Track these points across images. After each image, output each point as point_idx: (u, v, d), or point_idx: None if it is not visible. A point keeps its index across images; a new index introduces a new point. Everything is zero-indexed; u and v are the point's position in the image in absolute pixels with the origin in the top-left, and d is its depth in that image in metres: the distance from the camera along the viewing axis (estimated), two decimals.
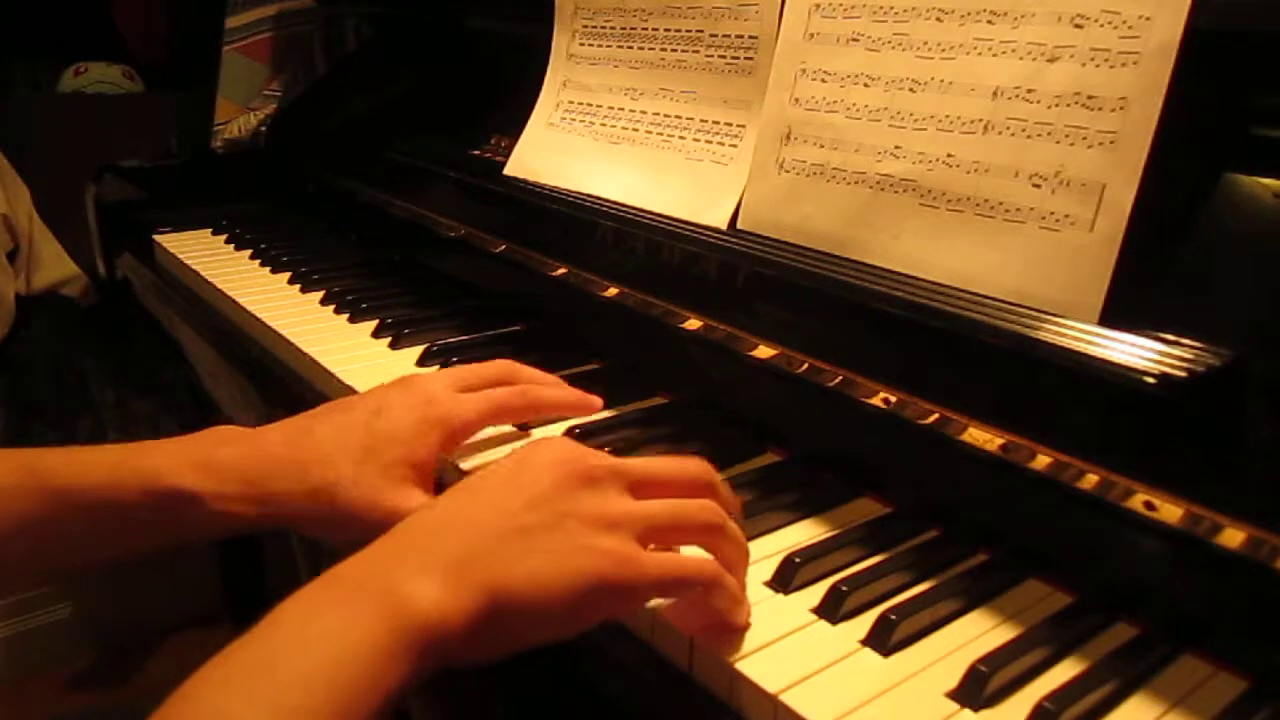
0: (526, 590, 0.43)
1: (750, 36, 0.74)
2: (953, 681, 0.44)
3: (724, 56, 0.76)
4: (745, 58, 0.74)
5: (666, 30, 0.80)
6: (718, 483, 0.51)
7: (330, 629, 0.39)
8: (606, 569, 0.44)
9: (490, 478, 0.48)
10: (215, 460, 0.54)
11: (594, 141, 0.85)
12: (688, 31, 0.78)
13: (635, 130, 0.82)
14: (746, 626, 0.48)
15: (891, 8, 0.63)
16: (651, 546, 0.47)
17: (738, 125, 0.75)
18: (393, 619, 0.40)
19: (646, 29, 0.82)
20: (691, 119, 0.78)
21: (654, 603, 0.49)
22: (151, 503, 0.53)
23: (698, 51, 0.78)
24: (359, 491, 0.53)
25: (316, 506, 0.53)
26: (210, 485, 0.53)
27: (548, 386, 0.65)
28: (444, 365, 0.78)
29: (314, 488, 0.53)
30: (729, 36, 0.75)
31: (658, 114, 0.81)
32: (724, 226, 0.72)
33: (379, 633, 0.39)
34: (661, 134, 0.80)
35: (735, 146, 0.74)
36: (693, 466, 0.51)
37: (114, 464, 0.54)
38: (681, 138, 0.78)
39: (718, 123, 0.76)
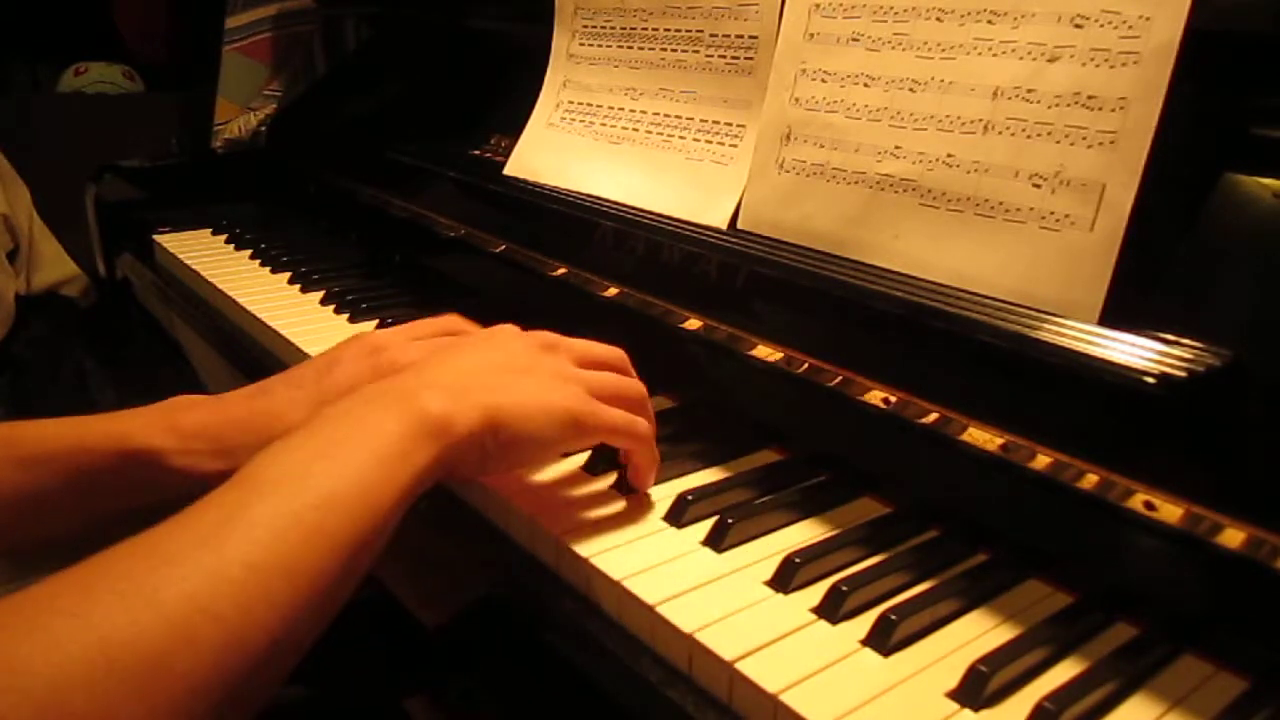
0: (515, 412, 0.52)
1: (750, 36, 0.74)
2: (953, 681, 0.44)
3: (724, 56, 0.76)
4: (745, 58, 0.74)
5: (666, 30, 0.80)
6: (630, 367, 0.61)
7: (372, 424, 0.48)
8: (575, 406, 0.54)
9: (464, 343, 0.59)
10: (180, 422, 0.57)
11: (594, 141, 0.85)
12: (688, 31, 0.78)
13: (635, 130, 0.82)
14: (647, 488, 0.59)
15: (891, 8, 0.63)
16: None
17: (738, 125, 0.75)
18: (413, 416, 0.48)
19: (646, 29, 0.82)
20: (691, 119, 0.78)
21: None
22: (121, 464, 0.55)
23: (698, 51, 0.78)
24: None
25: None
26: (176, 443, 0.56)
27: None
28: None
29: (270, 440, 0.55)
30: (729, 36, 0.75)
31: (658, 114, 0.81)
32: (724, 226, 0.72)
33: (408, 427, 0.48)
34: (661, 134, 0.80)
35: (735, 146, 0.74)
36: (615, 351, 0.61)
37: (84, 430, 0.56)
38: (681, 138, 0.78)
39: (718, 123, 0.76)
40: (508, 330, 0.59)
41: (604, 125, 0.85)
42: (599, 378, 0.57)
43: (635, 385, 0.59)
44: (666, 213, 0.76)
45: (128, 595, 0.36)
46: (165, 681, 0.35)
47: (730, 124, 0.75)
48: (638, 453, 0.58)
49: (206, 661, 0.36)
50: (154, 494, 0.58)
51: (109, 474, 0.56)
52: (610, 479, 0.61)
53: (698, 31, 0.78)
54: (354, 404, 0.50)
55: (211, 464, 0.56)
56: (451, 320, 0.67)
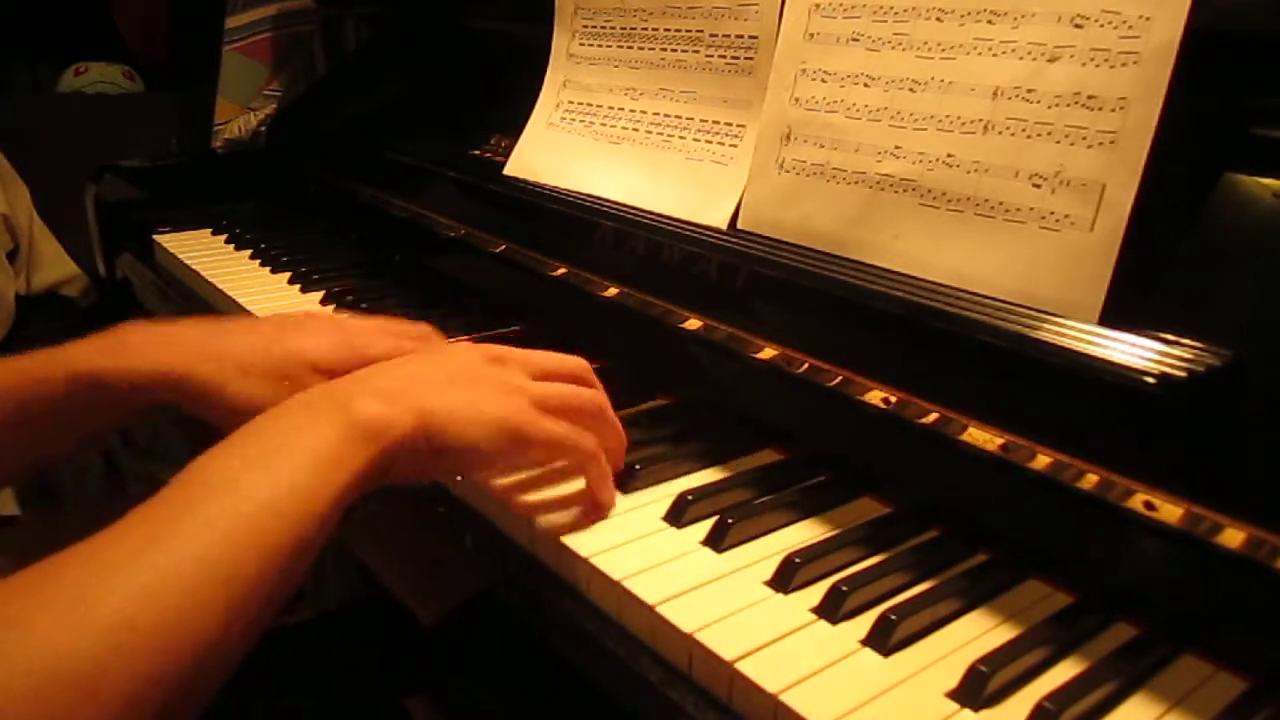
0: (451, 419, 0.52)
1: (750, 36, 0.74)
2: (953, 681, 0.44)
3: (724, 56, 0.76)
4: (745, 58, 0.74)
5: (666, 30, 0.80)
6: (594, 377, 0.60)
7: (305, 429, 0.48)
8: (513, 416, 0.53)
9: (414, 355, 0.58)
10: (125, 344, 0.58)
11: (594, 141, 0.85)
12: (688, 31, 0.78)
13: (635, 130, 0.82)
14: (608, 509, 0.57)
15: (891, 8, 0.63)
16: None
17: (738, 125, 0.75)
18: (346, 420, 0.48)
19: (646, 29, 0.82)
20: (691, 119, 0.78)
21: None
22: (72, 388, 0.56)
23: (698, 51, 0.78)
24: (261, 383, 0.57)
25: (212, 391, 0.57)
26: (120, 363, 0.57)
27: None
28: None
29: (219, 373, 0.57)
30: (729, 36, 0.75)
31: (658, 114, 0.81)
32: (724, 226, 0.72)
33: (342, 432, 0.48)
34: (661, 134, 0.80)
35: (735, 146, 0.74)
36: (575, 361, 0.60)
37: (28, 362, 0.58)
38: (681, 138, 0.78)
39: (718, 123, 0.76)
40: (459, 344, 0.59)
41: (604, 125, 0.85)
42: (547, 389, 0.56)
43: (591, 396, 0.58)
44: (666, 213, 0.76)
45: (65, 606, 0.37)
46: (104, 690, 0.36)
47: (730, 124, 0.75)
48: (583, 468, 0.57)
49: (141, 671, 0.37)
50: (102, 418, 0.59)
51: (57, 401, 0.56)
52: None
53: (698, 31, 0.78)
54: (289, 410, 0.50)
55: (152, 385, 0.57)
56: (425, 329, 0.67)
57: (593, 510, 0.57)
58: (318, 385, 0.53)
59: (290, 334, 0.61)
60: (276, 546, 0.43)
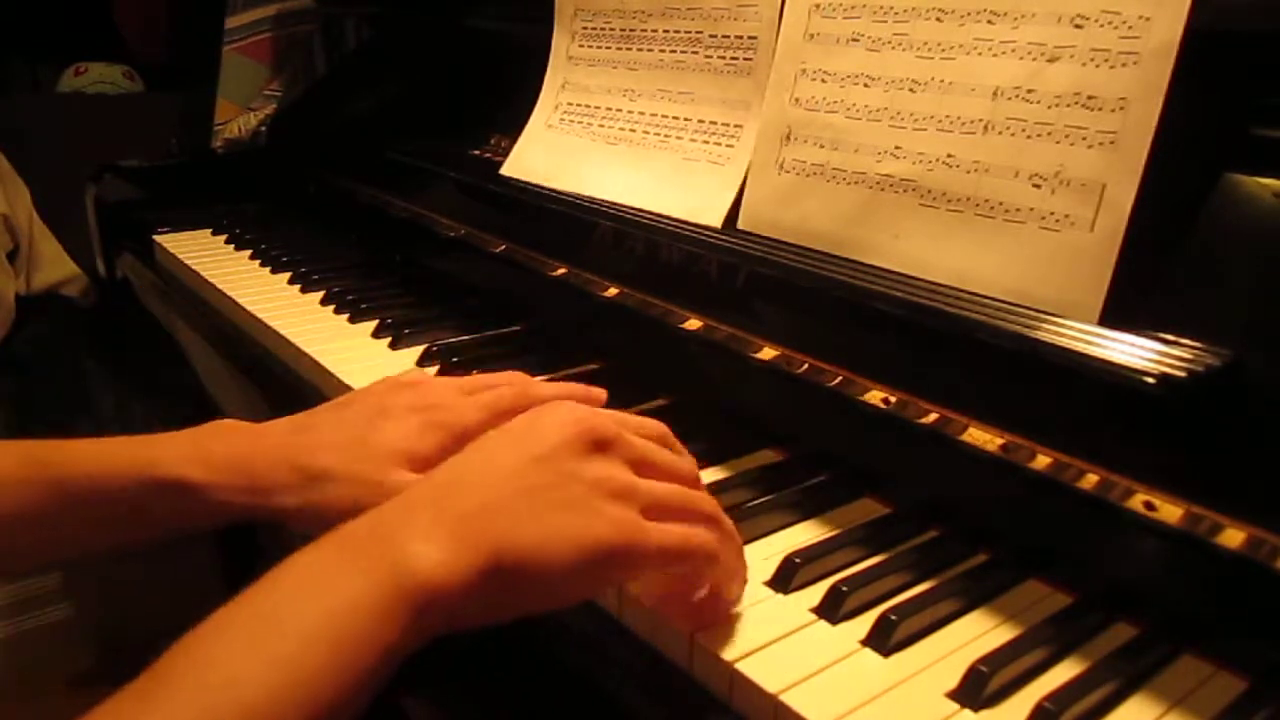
0: (533, 552, 0.42)
1: (750, 37, 0.74)
2: (953, 681, 0.44)
3: (723, 57, 0.76)
4: (744, 58, 0.74)
5: (666, 32, 0.80)
6: (700, 481, 0.51)
7: (331, 585, 0.40)
8: (614, 537, 0.43)
9: (500, 438, 0.48)
10: (213, 453, 0.54)
11: (593, 142, 0.85)
12: (687, 33, 0.78)
13: (634, 131, 0.82)
14: (733, 606, 0.49)
15: (891, 8, 0.63)
16: None
17: (734, 125, 0.74)
18: (393, 578, 0.40)
19: (646, 30, 0.82)
20: (689, 120, 0.78)
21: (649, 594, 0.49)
22: (150, 493, 0.53)
23: (697, 53, 0.78)
24: (351, 487, 0.52)
25: (309, 501, 0.53)
26: (207, 476, 0.53)
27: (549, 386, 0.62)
28: (444, 365, 0.78)
29: (307, 482, 0.53)
30: (728, 37, 0.75)
31: (655, 115, 0.81)
32: (719, 226, 0.72)
33: (378, 591, 0.39)
34: (659, 134, 0.80)
35: (732, 147, 0.74)
36: (688, 463, 0.51)
37: (114, 455, 0.54)
38: (679, 138, 0.78)
39: (715, 123, 0.76)
40: (554, 416, 0.48)
41: (602, 126, 0.85)
42: (663, 491, 0.46)
43: (708, 500, 0.49)
44: (664, 213, 0.76)
45: None
46: None
47: (728, 124, 0.75)
48: (711, 571, 0.47)
49: None
50: (182, 523, 0.55)
51: (138, 501, 0.53)
52: None
53: (697, 33, 0.78)
54: (314, 556, 0.41)
55: (240, 499, 0.53)
56: (513, 376, 0.60)
57: (721, 605, 0.48)
58: (366, 518, 0.43)
59: (379, 425, 0.55)
60: None
